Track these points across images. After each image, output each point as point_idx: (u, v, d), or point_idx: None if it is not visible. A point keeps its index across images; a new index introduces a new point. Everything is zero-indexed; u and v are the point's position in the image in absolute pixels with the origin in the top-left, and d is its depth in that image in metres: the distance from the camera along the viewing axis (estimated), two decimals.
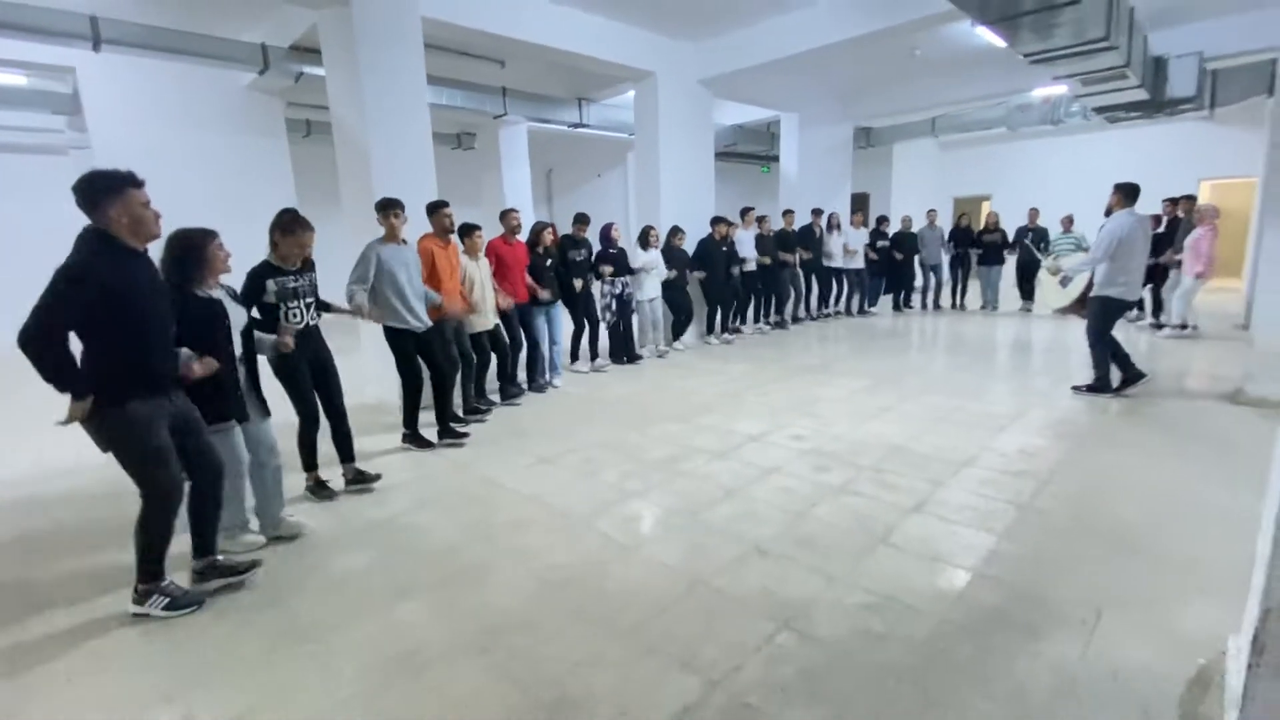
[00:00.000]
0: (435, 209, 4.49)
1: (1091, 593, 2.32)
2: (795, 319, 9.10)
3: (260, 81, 7.15)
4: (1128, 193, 4.71)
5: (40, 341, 2.04)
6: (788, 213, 8.91)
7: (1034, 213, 9.49)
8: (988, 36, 6.50)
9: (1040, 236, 9.24)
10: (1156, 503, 3.06)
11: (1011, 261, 9.73)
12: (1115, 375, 4.84)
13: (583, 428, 4.56)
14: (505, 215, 5.41)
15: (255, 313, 3.09)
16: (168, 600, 2.37)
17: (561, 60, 6.67)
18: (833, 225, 9.14)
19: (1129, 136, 11.74)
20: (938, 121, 11.12)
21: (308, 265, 3.26)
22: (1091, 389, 4.89)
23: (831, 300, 9.64)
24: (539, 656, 2.07)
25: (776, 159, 11.63)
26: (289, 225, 3.13)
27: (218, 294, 2.72)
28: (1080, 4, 4.24)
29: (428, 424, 4.35)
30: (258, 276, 3.09)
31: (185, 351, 2.49)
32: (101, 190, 2.16)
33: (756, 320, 8.55)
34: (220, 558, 2.59)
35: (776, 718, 1.78)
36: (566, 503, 3.29)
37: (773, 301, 8.68)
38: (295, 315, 3.17)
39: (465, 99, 7.65)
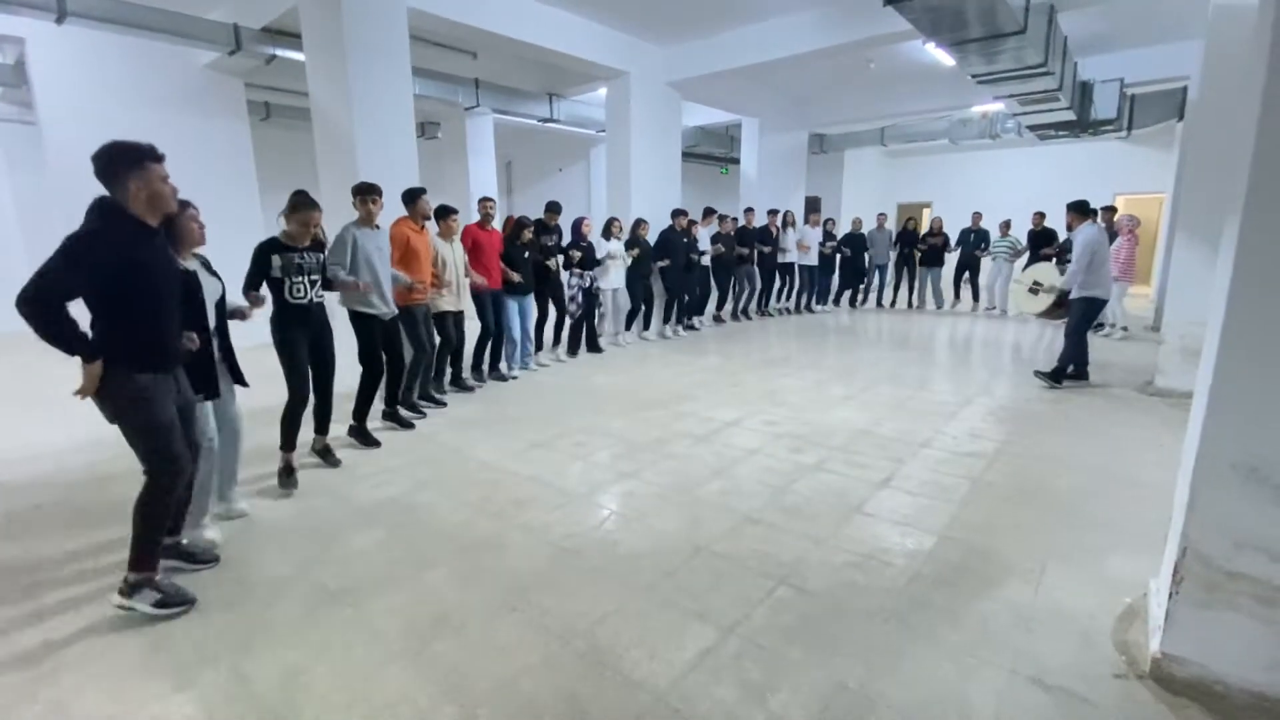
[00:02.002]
0: (415, 196, 4.52)
1: (1037, 550, 2.70)
2: (746, 315, 9.42)
3: (221, 62, 6.95)
4: (1082, 209, 5.34)
5: (36, 305, 1.99)
6: (749, 211, 9.28)
7: (977, 216, 10.23)
8: (937, 55, 7.03)
9: (981, 238, 10.04)
10: (1084, 476, 3.51)
11: (951, 263, 10.44)
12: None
13: (568, 414, 4.74)
14: (480, 203, 5.58)
15: (265, 289, 3.24)
16: (159, 597, 2.27)
17: (539, 56, 6.79)
18: (787, 223, 9.55)
19: (1055, 152, 12.76)
20: (886, 131, 11.78)
21: (316, 244, 3.40)
22: (1049, 377, 5.43)
23: (781, 296, 10.01)
24: (567, 612, 2.28)
25: (735, 161, 12.04)
26: (294, 204, 3.28)
27: (192, 265, 2.70)
28: (1024, 34, 4.71)
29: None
30: (263, 251, 3.23)
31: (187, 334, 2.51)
32: (121, 163, 2.12)
33: (701, 314, 8.77)
34: (184, 540, 2.60)
35: (784, 655, 2.05)
36: (565, 482, 3.48)
37: (729, 294, 8.99)
38: (300, 290, 3.29)
39: (438, 89, 7.66)
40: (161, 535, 2.33)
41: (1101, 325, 8.07)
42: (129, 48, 6.47)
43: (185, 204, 2.63)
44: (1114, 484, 3.40)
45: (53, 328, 2.02)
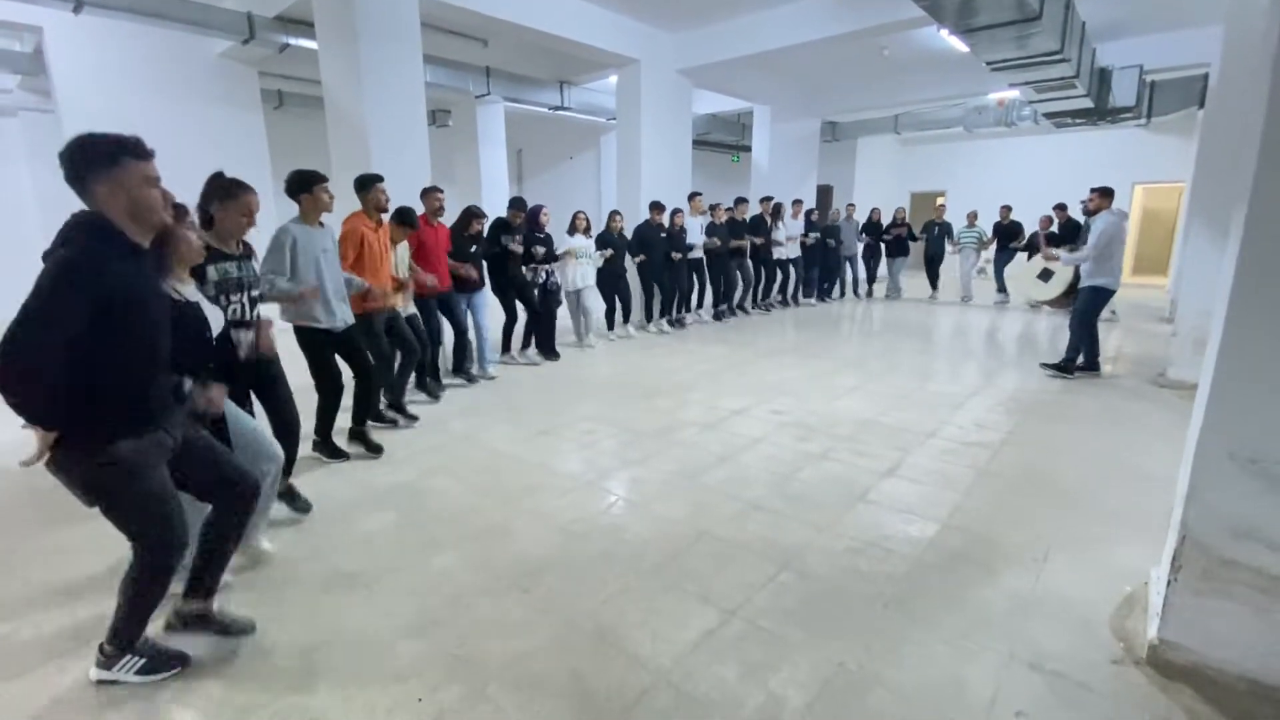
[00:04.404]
0: (368, 184, 3.85)
1: (1040, 538, 2.72)
2: (742, 309, 9.06)
3: (235, 50, 7.00)
4: (1106, 194, 5.27)
5: (28, 368, 1.50)
6: (764, 200, 9.09)
7: (940, 209, 10.22)
8: (952, 42, 6.93)
9: (945, 230, 10.13)
10: (1091, 467, 3.51)
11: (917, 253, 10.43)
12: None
13: (574, 404, 4.79)
14: (427, 194, 4.75)
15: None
16: (143, 662, 1.89)
17: (549, 44, 6.79)
18: (778, 215, 9.09)
19: (1073, 140, 12.55)
20: (900, 119, 11.64)
21: (247, 250, 2.68)
22: (1058, 368, 5.41)
23: (774, 289, 9.65)
24: (574, 594, 2.33)
25: (747, 149, 11.96)
26: (230, 189, 2.50)
27: (192, 293, 2.16)
28: (1040, 20, 4.65)
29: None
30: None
31: (189, 383, 2.01)
32: (90, 160, 1.62)
33: (699, 307, 8.46)
34: (217, 609, 2.11)
35: (785, 637, 2.10)
36: (573, 469, 3.54)
37: (720, 290, 8.56)
38: (236, 311, 2.55)
39: (448, 77, 7.67)
40: (152, 610, 1.91)
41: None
42: (144, 37, 6.53)
43: (180, 210, 2.10)
44: (1120, 475, 3.41)
45: (46, 399, 1.57)
